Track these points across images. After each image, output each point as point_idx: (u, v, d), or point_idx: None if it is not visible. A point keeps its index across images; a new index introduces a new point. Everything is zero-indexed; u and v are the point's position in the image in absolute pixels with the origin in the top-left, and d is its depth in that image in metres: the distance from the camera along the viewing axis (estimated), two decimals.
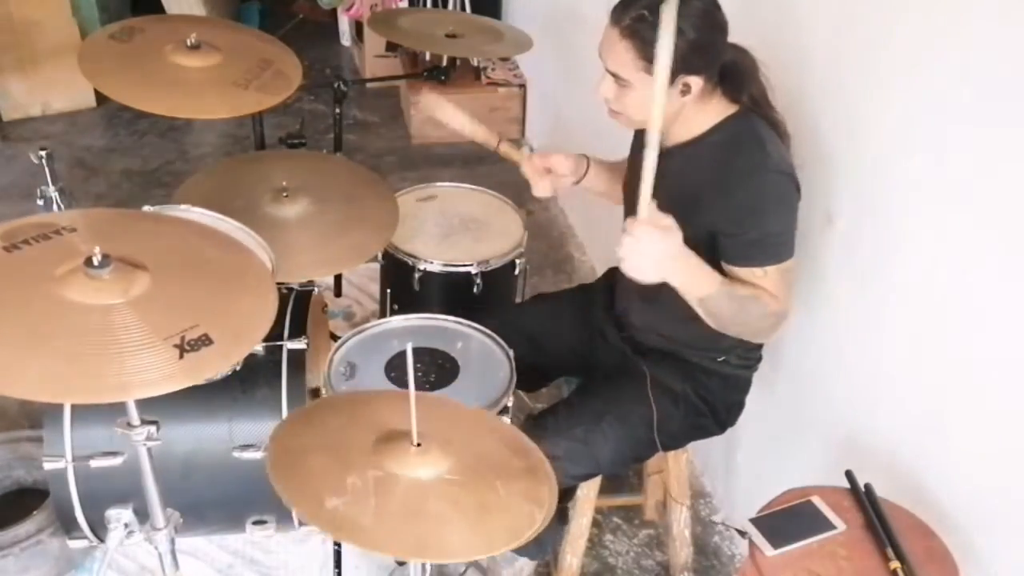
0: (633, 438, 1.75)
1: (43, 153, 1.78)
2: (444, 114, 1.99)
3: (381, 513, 1.19)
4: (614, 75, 1.57)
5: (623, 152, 1.93)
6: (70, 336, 1.21)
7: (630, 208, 1.86)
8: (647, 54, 1.49)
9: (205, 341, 1.23)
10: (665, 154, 1.68)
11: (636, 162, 1.85)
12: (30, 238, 1.36)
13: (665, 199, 1.69)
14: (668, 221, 1.49)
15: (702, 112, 1.61)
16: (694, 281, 1.56)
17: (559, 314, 2.01)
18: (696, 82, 1.54)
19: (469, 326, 1.92)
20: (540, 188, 1.91)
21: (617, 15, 1.53)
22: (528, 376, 1.86)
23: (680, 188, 1.65)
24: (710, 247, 1.61)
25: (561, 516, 1.93)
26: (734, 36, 1.60)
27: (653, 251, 1.50)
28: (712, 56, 1.55)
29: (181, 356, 1.20)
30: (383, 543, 1.17)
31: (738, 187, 1.56)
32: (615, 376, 1.83)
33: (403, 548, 1.17)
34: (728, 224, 1.57)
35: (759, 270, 1.57)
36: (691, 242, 1.62)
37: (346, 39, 4.97)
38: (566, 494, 1.87)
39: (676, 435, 1.81)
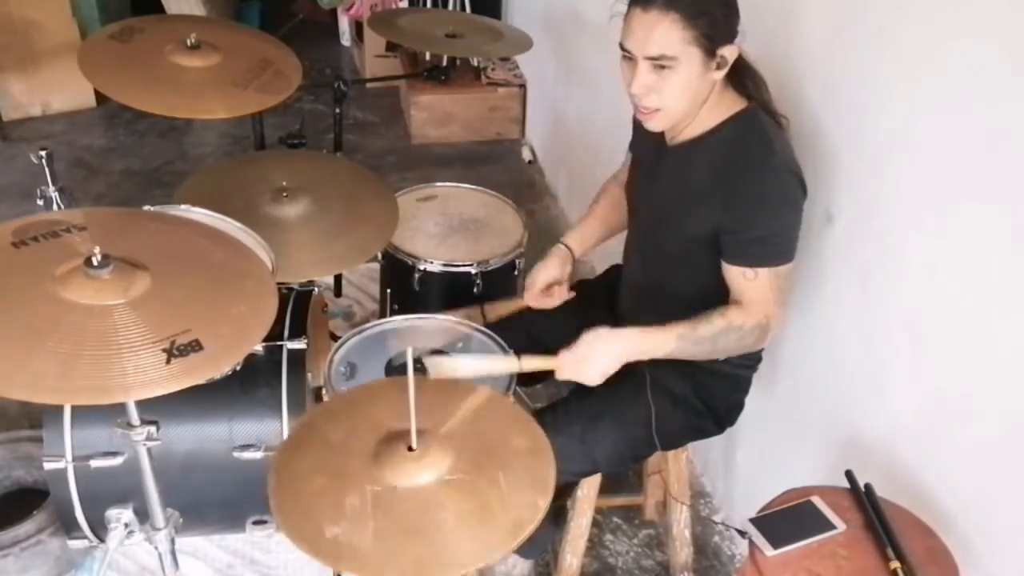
0: (631, 437, 1.75)
1: (43, 153, 1.78)
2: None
3: (380, 534, 1.19)
4: (655, 59, 1.51)
5: (623, 150, 1.93)
6: (65, 336, 1.21)
7: (632, 211, 1.87)
8: (694, 22, 1.47)
9: (195, 347, 1.23)
10: (671, 151, 1.69)
11: (638, 160, 1.86)
12: (39, 235, 1.37)
13: (670, 195, 1.70)
14: (580, 349, 1.61)
15: (716, 105, 1.61)
16: (648, 350, 1.63)
17: (558, 312, 2.01)
18: (732, 52, 1.52)
19: (469, 326, 1.92)
20: (550, 303, 1.92)
21: None
22: (525, 373, 1.86)
23: (685, 184, 1.66)
24: (712, 245, 1.61)
25: (556, 516, 1.93)
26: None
27: (593, 369, 1.61)
28: (735, 21, 1.54)
29: (168, 361, 1.20)
30: (382, 568, 1.17)
31: (742, 183, 1.56)
32: (614, 375, 1.83)
33: (403, 571, 1.17)
34: (729, 220, 1.57)
35: (750, 271, 1.57)
36: (693, 237, 1.63)
37: (346, 39, 4.97)
38: (564, 491, 1.87)
39: (675, 435, 1.81)
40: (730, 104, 1.62)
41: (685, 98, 1.57)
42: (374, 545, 1.18)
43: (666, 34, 1.49)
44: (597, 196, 2.01)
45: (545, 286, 1.90)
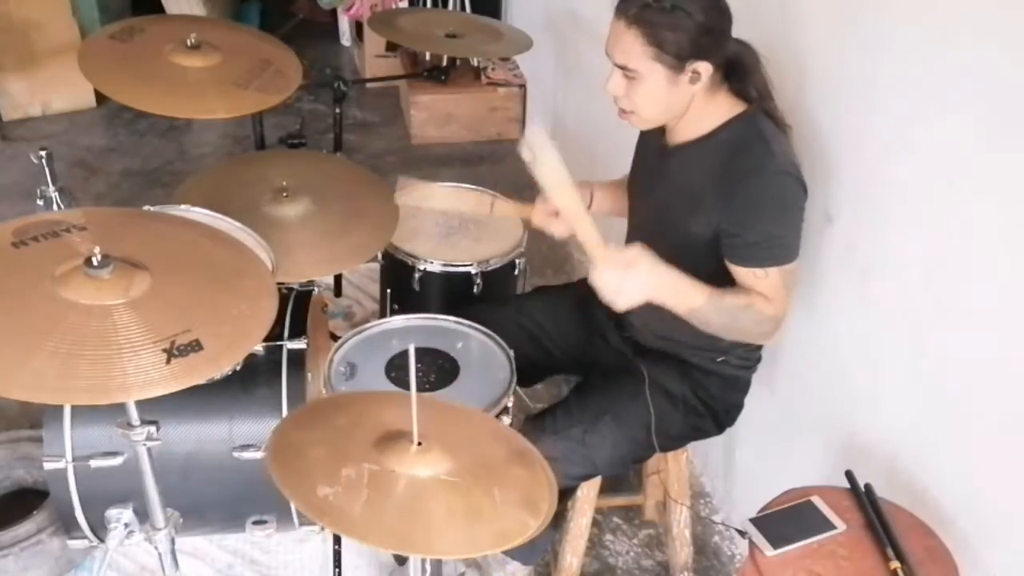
0: (631, 439, 1.75)
1: (43, 153, 1.78)
2: (425, 199, 1.84)
3: (371, 506, 1.19)
4: (622, 67, 1.56)
5: (623, 151, 1.93)
6: (65, 336, 1.21)
7: (632, 210, 1.87)
8: (655, 39, 1.50)
9: (195, 347, 1.23)
10: (672, 152, 1.69)
11: (640, 160, 1.86)
12: (39, 235, 1.37)
13: (670, 197, 1.70)
14: (630, 254, 1.53)
15: (709, 109, 1.61)
16: (678, 298, 1.58)
17: (560, 311, 2.01)
18: (705, 68, 1.53)
19: (469, 326, 1.92)
20: (557, 230, 1.86)
21: (623, 6, 1.53)
22: (526, 372, 1.86)
23: (685, 186, 1.66)
24: (714, 245, 1.61)
25: (555, 519, 1.93)
26: (734, 35, 1.60)
27: (627, 287, 1.53)
28: (719, 41, 1.55)
29: (168, 361, 1.20)
30: (368, 534, 1.17)
31: (741, 186, 1.56)
32: (614, 376, 1.83)
33: (388, 540, 1.18)
34: (730, 224, 1.57)
35: (760, 271, 1.57)
36: (693, 239, 1.63)
37: (346, 39, 4.97)
38: (564, 495, 1.87)
39: (674, 436, 1.81)
40: (729, 107, 1.62)
41: (656, 107, 1.60)
42: (363, 513, 1.18)
43: (629, 47, 1.53)
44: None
45: (555, 208, 1.84)
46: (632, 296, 1.55)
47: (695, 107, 1.60)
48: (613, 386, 1.80)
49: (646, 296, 1.55)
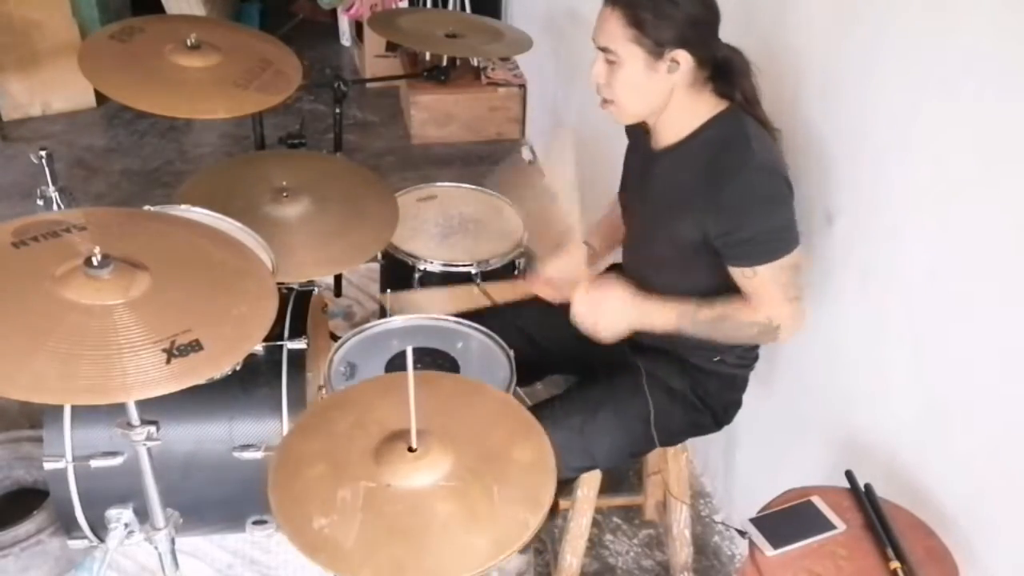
0: (630, 431, 1.75)
1: (43, 153, 1.78)
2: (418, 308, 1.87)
3: (365, 531, 1.19)
4: (604, 50, 1.57)
5: (623, 151, 1.93)
6: (65, 336, 1.21)
7: (626, 215, 1.87)
8: (635, 20, 1.51)
9: (195, 347, 1.23)
10: (658, 156, 1.69)
11: (629, 165, 1.86)
12: (39, 235, 1.37)
13: (659, 201, 1.70)
14: (603, 291, 1.66)
15: (691, 108, 1.61)
16: (653, 323, 1.66)
17: (558, 311, 2.00)
18: (685, 58, 1.53)
19: (469, 326, 1.92)
20: (553, 295, 1.87)
21: None
22: (525, 372, 1.86)
23: (672, 188, 1.66)
24: (703, 248, 1.61)
25: (551, 510, 1.93)
26: (734, 36, 1.60)
27: (603, 323, 1.66)
28: (702, 34, 1.55)
29: (168, 361, 1.20)
30: (359, 568, 1.17)
31: (724, 187, 1.55)
32: (614, 371, 1.83)
33: (382, 570, 1.18)
34: (716, 224, 1.57)
35: (749, 270, 1.57)
36: (684, 242, 1.63)
37: (346, 39, 4.97)
38: (561, 486, 1.87)
39: (673, 431, 1.81)
40: (711, 106, 1.62)
41: (635, 96, 1.60)
42: (356, 542, 1.18)
43: (611, 29, 1.55)
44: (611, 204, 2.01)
45: (550, 279, 1.89)
46: (610, 332, 1.66)
47: (678, 106, 1.60)
48: (613, 380, 1.81)
49: (624, 330, 1.66)
